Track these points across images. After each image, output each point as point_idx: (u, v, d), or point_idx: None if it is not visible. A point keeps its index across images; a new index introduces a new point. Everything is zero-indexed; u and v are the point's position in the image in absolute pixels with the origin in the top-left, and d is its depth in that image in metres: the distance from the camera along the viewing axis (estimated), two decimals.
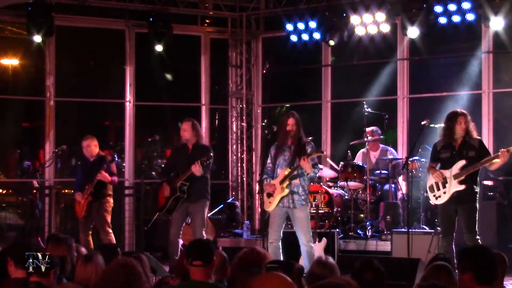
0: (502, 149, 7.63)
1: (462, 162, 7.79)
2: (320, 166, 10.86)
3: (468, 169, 7.74)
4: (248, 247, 5.93)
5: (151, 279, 5.43)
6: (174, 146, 9.39)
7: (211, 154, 8.63)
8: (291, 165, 8.05)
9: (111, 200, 9.51)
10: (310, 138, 8.58)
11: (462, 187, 7.77)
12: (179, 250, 8.76)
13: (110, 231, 9.32)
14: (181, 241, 10.09)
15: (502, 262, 5.20)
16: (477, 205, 7.84)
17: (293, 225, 8.30)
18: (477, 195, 7.89)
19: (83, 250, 5.96)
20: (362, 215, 10.44)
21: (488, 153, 7.93)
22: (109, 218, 9.39)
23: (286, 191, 8.03)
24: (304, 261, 7.91)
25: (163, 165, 9.99)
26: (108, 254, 5.09)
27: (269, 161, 8.30)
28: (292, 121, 8.10)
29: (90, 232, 9.41)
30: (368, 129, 10.71)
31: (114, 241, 9.31)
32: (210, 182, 9.04)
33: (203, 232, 8.80)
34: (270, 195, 8.07)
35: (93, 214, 9.32)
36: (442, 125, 8.15)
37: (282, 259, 7.92)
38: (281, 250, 8.06)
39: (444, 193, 7.87)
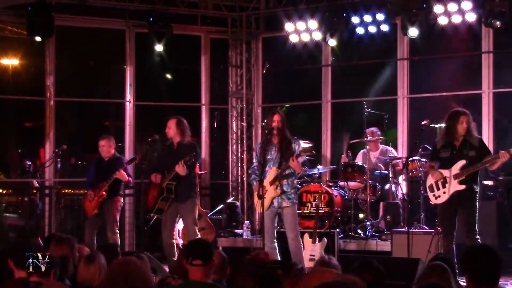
0: (503, 151, 7.64)
1: (462, 162, 7.79)
2: (320, 166, 10.92)
3: (468, 169, 7.74)
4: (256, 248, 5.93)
5: (152, 279, 5.43)
6: (161, 145, 9.33)
7: (195, 153, 8.53)
8: (279, 165, 8.03)
9: (122, 199, 9.58)
10: (307, 143, 8.50)
11: (462, 187, 7.77)
12: (176, 250, 8.74)
13: (117, 230, 9.32)
14: (181, 241, 10.10)
15: None
16: (477, 205, 7.84)
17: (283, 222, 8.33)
18: (477, 195, 7.89)
19: (87, 250, 5.93)
20: (362, 215, 10.44)
21: (489, 152, 7.93)
22: (118, 217, 9.43)
23: (279, 191, 8.02)
24: (292, 256, 7.93)
25: (151, 164, 9.92)
26: (109, 254, 5.09)
27: (255, 160, 8.31)
28: (278, 118, 8.08)
29: (96, 232, 9.40)
30: (368, 130, 10.71)
31: (119, 241, 9.31)
32: (197, 180, 9.01)
33: (197, 231, 8.80)
34: (260, 196, 8.01)
35: (104, 212, 9.33)
36: (443, 124, 8.15)
37: (279, 259, 7.94)
38: (277, 251, 8.08)
39: (444, 193, 7.87)
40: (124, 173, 9.31)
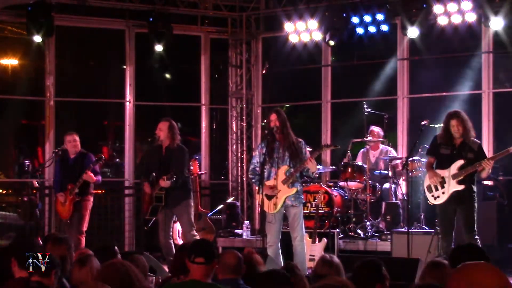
0: (485, 160, 7.70)
1: (460, 162, 7.80)
2: (319, 166, 10.90)
3: (467, 169, 7.75)
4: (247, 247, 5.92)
5: (149, 279, 5.42)
6: (149, 146, 9.27)
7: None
8: (290, 164, 7.97)
9: (92, 199, 9.46)
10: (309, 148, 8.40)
11: (461, 187, 7.77)
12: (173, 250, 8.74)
13: (83, 230, 9.19)
14: (181, 242, 10.10)
15: None
16: (476, 205, 7.85)
17: (288, 222, 8.27)
18: (476, 194, 7.89)
19: (90, 252, 5.88)
20: (362, 215, 10.43)
21: (486, 158, 7.96)
22: (87, 217, 9.31)
23: (294, 190, 7.94)
24: (294, 259, 7.88)
25: (142, 165, 9.87)
26: (107, 255, 5.08)
27: (256, 160, 8.13)
28: (274, 117, 7.97)
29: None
30: (374, 129, 10.68)
31: (84, 243, 9.13)
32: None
33: (194, 231, 8.81)
34: (270, 197, 7.95)
35: (74, 212, 9.27)
36: (442, 124, 8.16)
37: (281, 260, 7.92)
38: (280, 251, 8.04)
39: (443, 193, 7.87)
40: (92, 174, 9.19)
